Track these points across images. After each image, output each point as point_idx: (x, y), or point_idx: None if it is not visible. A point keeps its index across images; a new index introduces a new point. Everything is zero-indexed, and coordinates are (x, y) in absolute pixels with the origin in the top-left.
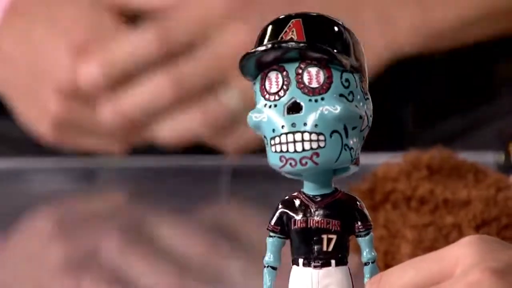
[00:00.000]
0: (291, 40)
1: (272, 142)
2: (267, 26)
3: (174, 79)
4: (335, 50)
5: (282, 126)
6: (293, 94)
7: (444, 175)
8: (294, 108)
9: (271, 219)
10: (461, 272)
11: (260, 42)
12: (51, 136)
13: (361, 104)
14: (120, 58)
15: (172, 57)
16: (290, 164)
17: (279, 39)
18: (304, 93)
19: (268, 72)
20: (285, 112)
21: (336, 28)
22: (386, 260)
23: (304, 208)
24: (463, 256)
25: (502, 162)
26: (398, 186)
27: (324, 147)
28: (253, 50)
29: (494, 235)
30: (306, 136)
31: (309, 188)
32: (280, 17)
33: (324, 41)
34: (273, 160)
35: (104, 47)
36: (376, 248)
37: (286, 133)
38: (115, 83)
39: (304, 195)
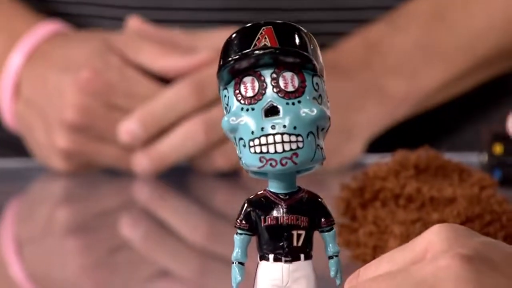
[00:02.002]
0: (266, 46)
1: (251, 143)
2: (232, 35)
3: (206, 124)
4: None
5: (262, 128)
6: (270, 97)
7: (431, 174)
8: (271, 111)
9: (239, 216)
10: (431, 257)
11: (228, 51)
12: (62, 168)
13: (327, 105)
14: (159, 113)
15: (205, 107)
16: (271, 164)
17: (252, 46)
18: (280, 96)
19: (243, 77)
20: (263, 115)
21: (302, 34)
22: (375, 255)
23: (274, 206)
24: (432, 243)
25: (485, 162)
26: (387, 185)
27: (302, 147)
28: (234, 58)
29: (478, 231)
30: (286, 137)
31: (276, 187)
32: (247, 25)
33: (296, 46)
34: (252, 160)
35: (131, 97)
36: (366, 243)
37: (266, 135)
38: (153, 134)
39: (271, 194)
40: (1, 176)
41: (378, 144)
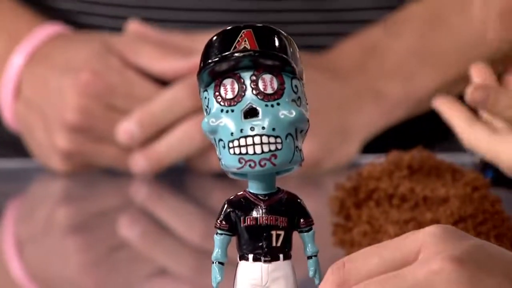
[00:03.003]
0: (245, 49)
1: (231, 145)
2: (213, 38)
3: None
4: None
5: (241, 130)
6: (250, 99)
7: (424, 174)
8: (251, 113)
9: (219, 217)
10: (423, 259)
11: (209, 54)
12: (62, 168)
13: (306, 108)
14: (157, 114)
15: (200, 108)
16: (250, 165)
17: (232, 48)
18: (260, 98)
19: (223, 79)
20: (243, 117)
21: (282, 37)
22: None
23: (253, 207)
24: (425, 244)
25: (477, 162)
26: (381, 185)
27: (281, 149)
28: (214, 60)
29: (471, 230)
30: (265, 139)
31: (255, 188)
32: (227, 28)
33: (275, 49)
34: (231, 161)
35: (130, 98)
36: (360, 242)
37: (246, 136)
38: (150, 135)
39: (251, 195)
40: (1, 176)
41: (373, 145)
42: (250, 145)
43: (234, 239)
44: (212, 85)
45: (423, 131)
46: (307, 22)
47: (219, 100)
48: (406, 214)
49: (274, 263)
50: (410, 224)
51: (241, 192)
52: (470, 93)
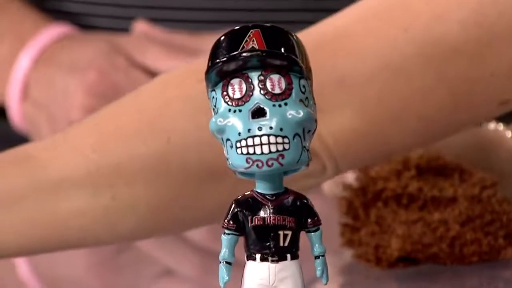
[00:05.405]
0: (253, 49)
1: (238, 144)
2: (221, 38)
3: None
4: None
5: (249, 130)
6: (257, 99)
7: (432, 174)
8: (258, 112)
9: (226, 217)
10: None
11: (217, 54)
12: None
13: (313, 108)
14: None
15: None
16: (257, 165)
17: (240, 48)
18: (267, 98)
19: (231, 79)
20: (250, 117)
21: (290, 37)
22: (377, 254)
23: (261, 207)
24: None
25: None
26: (389, 185)
27: (288, 149)
28: (222, 60)
29: (479, 231)
30: (272, 139)
31: (263, 188)
32: (235, 28)
33: (283, 49)
34: (238, 161)
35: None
36: (368, 242)
37: (253, 136)
38: None
39: (258, 194)
40: None
41: None
42: (258, 145)
43: (241, 239)
44: (220, 84)
45: None
46: (310, 22)
47: (227, 99)
48: (414, 214)
49: (281, 263)
50: (418, 224)
51: (249, 192)
52: None
